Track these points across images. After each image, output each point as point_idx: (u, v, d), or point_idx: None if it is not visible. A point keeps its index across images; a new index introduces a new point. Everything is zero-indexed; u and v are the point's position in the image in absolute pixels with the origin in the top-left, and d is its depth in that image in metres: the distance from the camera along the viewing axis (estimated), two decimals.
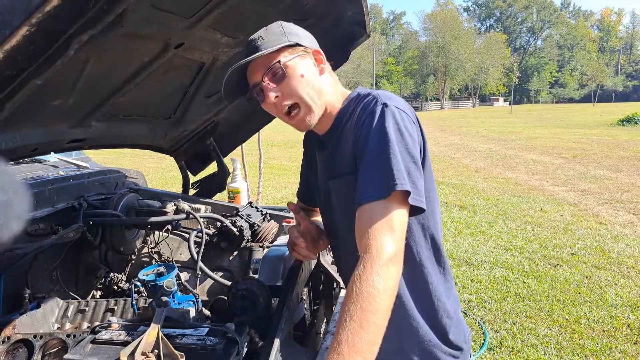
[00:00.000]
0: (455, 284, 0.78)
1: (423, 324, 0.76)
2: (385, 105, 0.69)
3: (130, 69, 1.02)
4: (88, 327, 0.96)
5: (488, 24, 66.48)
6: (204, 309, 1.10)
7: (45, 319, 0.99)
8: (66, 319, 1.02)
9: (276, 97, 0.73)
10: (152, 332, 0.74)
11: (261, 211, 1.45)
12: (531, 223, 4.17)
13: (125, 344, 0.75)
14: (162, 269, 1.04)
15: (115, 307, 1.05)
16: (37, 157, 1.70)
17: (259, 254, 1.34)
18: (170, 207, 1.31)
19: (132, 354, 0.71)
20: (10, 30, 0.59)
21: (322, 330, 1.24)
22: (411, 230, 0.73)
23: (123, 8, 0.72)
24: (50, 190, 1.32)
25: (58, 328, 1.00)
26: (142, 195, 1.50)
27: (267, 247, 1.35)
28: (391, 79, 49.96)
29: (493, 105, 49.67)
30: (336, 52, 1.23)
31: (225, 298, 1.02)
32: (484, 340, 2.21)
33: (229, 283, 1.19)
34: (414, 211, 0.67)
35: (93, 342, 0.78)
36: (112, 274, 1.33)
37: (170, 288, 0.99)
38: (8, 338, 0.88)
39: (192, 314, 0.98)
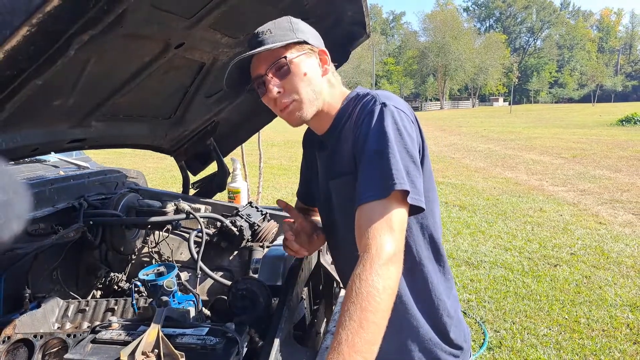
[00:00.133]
0: (455, 283, 0.78)
1: (423, 323, 0.76)
2: (384, 104, 0.69)
3: (131, 69, 1.02)
4: (88, 327, 0.96)
5: (488, 24, 66.52)
6: (204, 308, 1.10)
7: (46, 318, 0.99)
8: (66, 319, 1.03)
9: (278, 92, 0.73)
10: (152, 331, 0.74)
11: (261, 211, 1.45)
12: (531, 223, 4.17)
13: (125, 343, 0.75)
14: (162, 268, 1.04)
15: (116, 307, 1.05)
16: (38, 157, 1.70)
17: (259, 253, 1.34)
18: (170, 207, 1.31)
19: (133, 353, 0.71)
20: (11, 31, 0.59)
21: (322, 330, 1.25)
22: (410, 229, 0.74)
23: (123, 8, 0.72)
24: (50, 190, 1.32)
25: (58, 328, 1.00)
26: (143, 195, 1.50)
27: (267, 247, 1.35)
28: (391, 79, 49.97)
29: (493, 105, 49.68)
30: (336, 52, 1.23)
31: (226, 298, 1.02)
32: (484, 339, 2.21)
33: (229, 283, 1.19)
34: (414, 211, 0.67)
35: (93, 341, 0.78)
36: (112, 274, 1.33)
37: (171, 288, 0.99)
38: (8, 338, 0.88)
39: (192, 313, 0.98)
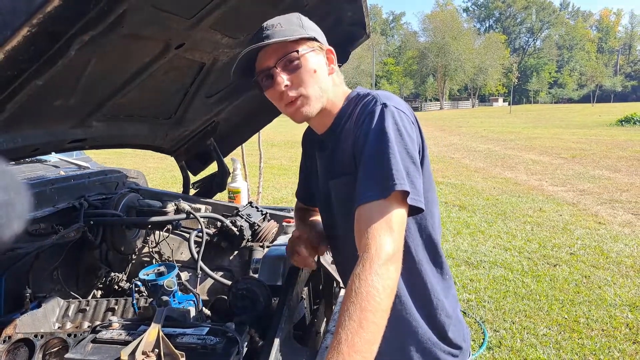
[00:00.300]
0: (455, 283, 0.78)
1: (422, 323, 0.76)
2: (384, 105, 0.69)
3: (131, 69, 1.02)
4: (89, 327, 0.96)
5: (487, 25, 66.55)
6: (204, 308, 1.11)
7: (46, 318, 0.99)
8: (67, 319, 1.03)
9: (286, 85, 0.72)
10: (153, 331, 0.75)
11: (261, 211, 1.45)
12: (530, 223, 4.17)
13: (125, 343, 0.75)
14: (162, 268, 1.04)
15: (116, 307, 1.05)
16: (38, 157, 1.70)
17: (259, 253, 1.34)
18: (170, 207, 1.31)
19: (133, 353, 0.71)
20: (12, 31, 0.59)
21: (322, 330, 1.25)
22: (409, 230, 0.74)
23: (124, 9, 0.72)
24: (51, 190, 1.32)
25: (59, 327, 1.00)
26: (143, 195, 1.50)
27: (267, 246, 1.35)
28: (391, 79, 49.98)
29: (492, 105, 49.70)
30: (336, 53, 1.23)
31: (226, 297, 1.02)
32: (483, 339, 2.21)
33: (229, 282, 1.19)
34: (413, 211, 0.67)
35: (94, 341, 0.78)
36: (112, 274, 1.33)
37: (171, 287, 0.99)
38: (9, 337, 0.88)
39: (193, 313, 0.98)
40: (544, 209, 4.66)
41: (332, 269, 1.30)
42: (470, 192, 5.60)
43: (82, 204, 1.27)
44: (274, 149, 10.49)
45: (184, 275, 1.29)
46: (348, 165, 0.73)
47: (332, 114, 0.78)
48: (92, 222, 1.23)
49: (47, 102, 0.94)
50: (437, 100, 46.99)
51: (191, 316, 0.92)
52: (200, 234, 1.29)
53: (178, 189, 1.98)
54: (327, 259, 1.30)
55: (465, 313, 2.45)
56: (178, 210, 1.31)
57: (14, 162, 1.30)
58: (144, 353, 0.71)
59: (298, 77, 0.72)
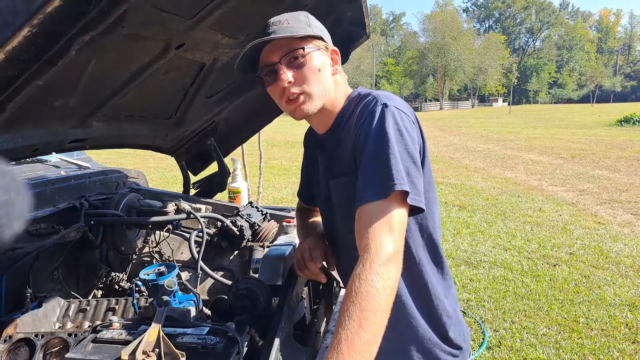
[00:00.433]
0: (455, 283, 0.78)
1: (422, 322, 0.76)
2: (385, 105, 0.69)
3: (131, 69, 1.03)
4: (89, 326, 0.97)
5: (487, 25, 66.61)
6: (204, 308, 1.11)
7: (47, 318, 0.99)
8: (67, 318, 1.03)
9: (289, 82, 0.71)
10: (153, 331, 0.75)
11: (261, 211, 1.46)
12: (530, 223, 4.18)
13: (126, 343, 0.75)
14: (162, 268, 1.04)
15: (117, 307, 1.05)
16: (39, 157, 1.71)
17: (259, 253, 1.34)
18: (171, 207, 1.31)
19: (133, 353, 0.71)
20: (12, 31, 0.59)
21: (322, 330, 1.25)
22: (409, 230, 0.74)
23: (124, 9, 0.72)
24: (51, 190, 1.32)
25: (59, 327, 1.00)
26: (143, 195, 1.50)
27: (268, 246, 1.35)
28: (391, 79, 50.01)
29: (492, 105, 49.72)
30: None
31: (226, 297, 1.02)
32: (483, 339, 2.21)
33: (229, 282, 1.19)
34: (413, 211, 0.67)
35: (94, 341, 0.78)
36: (113, 274, 1.33)
37: (171, 287, 0.99)
38: (10, 337, 0.88)
39: (193, 313, 0.98)
40: (543, 209, 4.66)
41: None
42: (470, 192, 5.61)
43: (82, 204, 1.27)
44: (274, 149, 10.49)
45: (185, 275, 1.29)
46: (348, 165, 0.73)
47: (333, 113, 0.78)
48: (92, 222, 1.23)
49: (48, 102, 0.94)
50: (437, 100, 47.01)
51: (191, 316, 0.92)
52: (201, 234, 1.29)
53: (178, 189, 1.98)
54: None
55: (465, 313, 2.46)
56: (178, 210, 1.31)
57: (14, 162, 1.30)
58: (144, 353, 0.71)
59: (302, 74, 0.72)
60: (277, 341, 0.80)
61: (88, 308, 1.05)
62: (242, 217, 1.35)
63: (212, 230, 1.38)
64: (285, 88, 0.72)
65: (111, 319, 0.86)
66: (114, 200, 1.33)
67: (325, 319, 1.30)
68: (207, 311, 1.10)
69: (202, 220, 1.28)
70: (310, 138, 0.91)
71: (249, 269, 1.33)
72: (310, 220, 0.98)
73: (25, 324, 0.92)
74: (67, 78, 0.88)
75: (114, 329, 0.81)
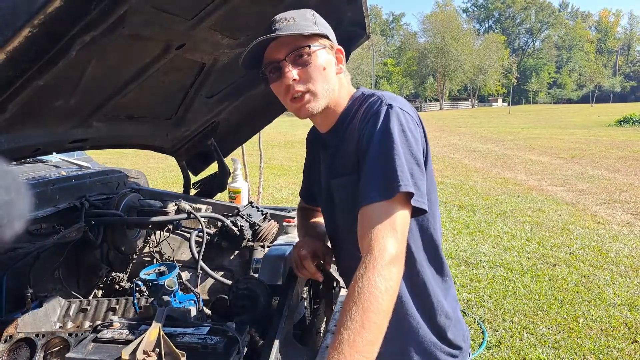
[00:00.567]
0: (454, 283, 0.78)
1: (422, 323, 0.76)
2: (390, 106, 0.69)
3: (132, 69, 1.03)
4: (90, 326, 0.97)
5: (487, 25, 66.66)
6: (204, 308, 1.11)
7: (48, 317, 0.99)
8: (68, 318, 1.03)
9: (293, 80, 0.71)
10: (154, 331, 0.75)
11: (262, 211, 1.46)
12: (529, 223, 4.18)
13: (126, 342, 0.75)
14: (163, 268, 1.04)
15: (117, 306, 1.06)
16: (39, 157, 1.71)
17: (259, 253, 1.35)
18: (171, 206, 1.32)
19: (134, 352, 0.71)
20: (13, 32, 0.59)
21: (322, 329, 1.25)
22: (411, 231, 0.74)
23: (124, 9, 0.72)
24: (52, 190, 1.33)
25: (60, 327, 1.00)
26: (144, 195, 1.51)
27: (268, 246, 1.36)
28: (391, 79, 50.02)
29: (492, 105, 49.75)
30: None
31: (226, 297, 1.02)
32: (483, 339, 2.22)
33: (229, 282, 1.19)
34: (416, 212, 0.67)
35: (95, 340, 0.78)
36: (113, 273, 1.33)
37: (172, 287, 0.99)
38: (10, 337, 0.88)
39: (193, 313, 0.98)
40: (543, 209, 4.67)
41: (332, 269, 1.30)
42: (469, 192, 5.61)
43: (83, 204, 1.27)
44: (274, 149, 10.49)
45: (185, 275, 1.30)
46: (351, 165, 0.73)
47: (337, 113, 0.78)
48: (93, 222, 1.23)
49: (48, 103, 0.94)
50: (437, 100, 47.02)
51: (192, 316, 0.92)
52: (201, 234, 1.29)
53: (179, 189, 1.98)
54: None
55: (464, 312, 2.46)
56: (179, 210, 1.31)
57: (15, 162, 1.30)
58: (144, 352, 0.71)
59: (307, 72, 0.72)
60: (277, 341, 0.81)
61: (89, 308, 1.05)
62: (243, 217, 1.36)
63: (212, 230, 1.38)
64: (289, 86, 0.72)
65: (112, 318, 0.86)
66: (115, 200, 1.33)
67: (325, 319, 1.30)
68: (208, 311, 1.10)
69: (202, 220, 1.28)
70: (313, 137, 0.91)
71: (249, 268, 1.33)
72: (311, 220, 0.98)
73: (26, 324, 0.92)
74: (68, 78, 0.89)
75: (114, 329, 0.81)
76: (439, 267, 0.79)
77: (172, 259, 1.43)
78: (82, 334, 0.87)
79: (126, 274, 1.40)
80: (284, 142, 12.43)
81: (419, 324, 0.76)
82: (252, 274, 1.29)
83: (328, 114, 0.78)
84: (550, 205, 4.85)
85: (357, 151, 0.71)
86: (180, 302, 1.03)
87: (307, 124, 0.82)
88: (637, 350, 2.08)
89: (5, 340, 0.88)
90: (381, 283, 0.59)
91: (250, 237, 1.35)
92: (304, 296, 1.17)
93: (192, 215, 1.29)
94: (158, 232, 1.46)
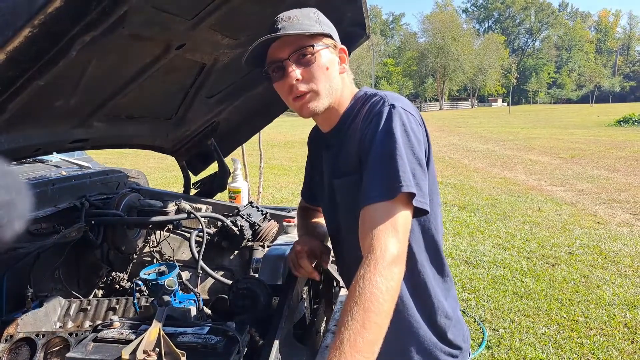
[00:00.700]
0: (454, 283, 0.78)
1: (423, 324, 0.76)
2: (392, 106, 0.69)
3: (132, 70, 1.03)
4: (90, 326, 0.97)
5: (486, 25, 66.68)
6: (205, 307, 1.11)
7: (48, 317, 1.00)
8: (68, 318, 1.03)
9: (297, 79, 0.71)
10: (154, 330, 0.75)
11: (262, 211, 1.46)
12: (529, 222, 4.18)
13: (127, 342, 0.75)
14: (163, 268, 1.05)
15: (117, 306, 1.06)
16: (40, 157, 1.71)
17: (259, 253, 1.35)
18: (171, 206, 1.32)
19: (134, 352, 0.71)
20: (13, 32, 0.59)
21: (322, 329, 1.25)
22: (412, 231, 0.73)
23: (125, 9, 0.72)
24: (52, 190, 1.33)
25: (60, 327, 1.00)
26: (144, 195, 1.51)
27: (268, 246, 1.36)
28: (390, 79, 50.04)
29: (491, 105, 49.77)
30: None
31: (226, 297, 1.02)
32: (483, 338, 2.22)
33: (229, 282, 1.20)
34: (418, 213, 0.67)
35: (95, 340, 0.78)
36: (113, 273, 1.33)
37: (172, 287, 1.00)
38: (11, 336, 0.88)
39: (193, 312, 0.98)
40: (542, 209, 4.67)
41: (332, 269, 1.30)
42: (469, 192, 5.62)
43: (83, 204, 1.28)
44: (274, 149, 10.49)
45: (185, 275, 1.30)
46: (353, 165, 0.73)
47: (339, 112, 0.78)
48: (93, 222, 1.23)
49: (49, 103, 0.94)
50: (437, 100, 47.04)
51: (192, 315, 0.92)
52: (201, 234, 1.29)
53: (179, 189, 1.98)
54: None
55: (464, 312, 2.46)
56: (179, 210, 1.31)
57: (15, 162, 1.30)
58: (145, 352, 0.71)
59: (310, 72, 0.72)
60: (277, 341, 0.81)
61: (89, 307, 1.05)
62: (243, 217, 1.36)
63: (212, 230, 1.39)
64: (293, 85, 0.72)
65: (112, 318, 0.86)
66: (115, 200, 1.33)
67: (325, 319, 1.30)
68: (208, 311, 1.10)
69: (202, 220, 1.28)
70: (315, 138, 0.91)
71: (249, 268, 1.33)
72: (311, 220, 0.98)
73: (27, 324, 0.92)
74: (68, 78, 0.89)
75: (114, 329, 0.81)
76: (439, 267, 0.79)
77: (172, 258, 1.43)
78: (82, 334, 0.87)
79: (126, 273, 1.40)
80: (284, 142, 12.43)
81: (419, 324, 0.76)
82: (252, 273, 1.29)
83: (331, 114, 0.77)
84: (550, 205, 4.86)
85: (360, 151, 0.71)
86: (180, 302, 1.04)
87: (307, 124, 0.82)
88: (637, 350, 2.08)
89: (6, 340, 0.88)
90: (382, 283, 0.59)
91: (250, 237, 1.36)
92: (304, 296, 1.17)
93: (192, 215, 1.29)
94: (158, 232, 1.46)
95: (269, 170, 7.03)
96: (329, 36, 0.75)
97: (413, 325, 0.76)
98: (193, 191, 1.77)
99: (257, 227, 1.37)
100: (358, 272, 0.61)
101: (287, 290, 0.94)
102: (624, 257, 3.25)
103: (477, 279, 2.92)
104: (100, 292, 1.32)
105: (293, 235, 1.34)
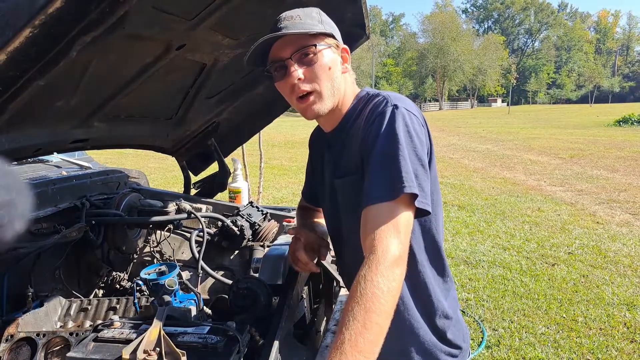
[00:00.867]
0: (454, 282, 0.78)
1: (423, 324, 0.76)
2: (395, 107, 0.69)
3: (132, 70, 1.03)
4: (90, 326, 0.97)
5: (486, 26, 66.75)
6: (205, 307, 1.11)
7: (48, 317, 1.00)
8: (69, 318, 1.03)
9: (299, 79, 0.71)
10: (154, 330, 0.75)
11: (262, 211, 1.46)
12: (529, 222, 4.19)
13: (127, 342, 0.75)
14: (163, 268, 1.05)
15: (118, 306, 1.06)
16: (40, 158, 1.71)
17: (259, 253, 1.35)
18: (171, 206, 1.32)
19: (134, 352, 0.71)
20: (14, 32, 0.59)
21: (322, 329, 1.25)
22: (413, 231, 0.73)
23: (125, 10, 0.73)
24: (53, 190, 1.33)
25: (61, 326, 1.01)
26: (144, 195, 1.51)
27: (268, 246, 1.36)
28: (390, 80, 50.05)
29: (491, 106, 49.83)
30: None
31: (227, 297, 1.03)
32: (482, 338, 2.22)
33: (230, 282, 1.20)
34: (419, 214, 0.67)
35: (95, 340, 0.78)
36: (114, 273, 1.33)
37: (172, 287, 1.00)
38: (11, 336, 0.88)
39: (194, 312, 0.98)
40: (542, 209, 4.67)
41: (332, 269, 1.30)
42: (469, 192, 5.62)
43: (83, 204, 1.28)
44: (274, 149, 10.49)
45: (185, 275, 1.30)
46: (355, 165, 0.73)
47: (341, 112, 0.78)
48: (93, 222, 1.23)
49: (49, 103, 0.94)
50: (436, 100, 47.08)
51: (192, 315, 0.92)
52: (201, 234, 1.29)
53: (179, 189, 1.98)
54: (327, 258, 1.31)
55: (464, 312, 2.46)
56: (179, 210, 1.31)
57: (16, 162, 1.30)
58: (145, 352, 0.71)
59: (312, 71, 0.71)
60: (277, 341, 0.81)
61: (89, 307, 1.05)
62: (243, 217, 1.36)
63: (212, 230, 1.39)
64: (295, 85, 0.72)
65: (112, 318, 0.86)
66: (115, 200, 1.33)
67: (325, 318, 1.31)
68: (208, 310, 1.11)
69: (202, 220, 1.28)
70: (317, 138, 0.91)
71: (249, 268, 1.34)
72: (311, 220, 0.98)
73: (27, 323, 0.93)
74: (69, 78, 0.89)
75: (115, 328, 0.81)
76: (440, 267, 0.79)
77: (172, 258, 1.43)
78: (82, 334, 0.87)
79: (127, 273, 1.40)
80: (284, 142, 12.43)
81: (420, 324, 0.76)
82: (252, 273, 1.29)
83: (333, 114, 0.77)
84: (549, 205, 4.86)
85: (362, 151, 0.71)
86: (180, 302, 1.04)
87: (308, 124, 0.83)
88: (636, 350, 2.08)
89: (7, 340, 0.88)
90: (384, 284, 0.59)
91: (251, 236, 1.36)
92: (304, 296, 1.17)
93: (192, 215, 1.29)
94: (158, 231, 1.46)
95: (269, 170, 7.03)
96: (332, 36, 0.75)
97: (413, 325, 0.76)
98: (193, 191, 1.78)
99: (257, 227, 1.37)
100: (359, 272, 0.61)
101: (287, 290, 0.94)
102: (623, 257, 3.25)
103: (477, 279, 2.92)
104: (101, 291, 1.32)
105: None
